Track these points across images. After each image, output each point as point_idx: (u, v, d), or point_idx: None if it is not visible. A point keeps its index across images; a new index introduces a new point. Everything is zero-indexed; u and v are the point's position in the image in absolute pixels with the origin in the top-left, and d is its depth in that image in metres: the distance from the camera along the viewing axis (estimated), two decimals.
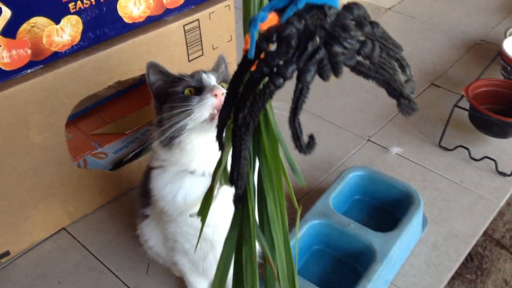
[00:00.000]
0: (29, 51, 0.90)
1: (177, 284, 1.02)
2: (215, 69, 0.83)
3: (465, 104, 1.32)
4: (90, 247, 1.10)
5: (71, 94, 0.98)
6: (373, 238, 1.01)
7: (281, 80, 0.37)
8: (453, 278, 1.05)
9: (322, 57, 0.38)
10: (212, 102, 0.69)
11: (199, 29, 1.13)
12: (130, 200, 1.20)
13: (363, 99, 1.54)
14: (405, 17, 1.94)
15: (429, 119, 1.45)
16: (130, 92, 1.45)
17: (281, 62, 0.38)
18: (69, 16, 0.93)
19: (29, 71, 0.92)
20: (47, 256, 1.08)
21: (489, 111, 1.26)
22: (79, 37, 0.96)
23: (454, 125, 1.39)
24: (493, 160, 1.27)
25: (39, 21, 0.89)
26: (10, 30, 0.86)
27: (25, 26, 0.88)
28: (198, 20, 1.12)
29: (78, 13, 0.93)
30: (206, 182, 0.75)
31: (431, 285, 1.03)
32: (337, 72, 0.38)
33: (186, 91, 0.74)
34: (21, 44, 0.89)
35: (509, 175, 1.26)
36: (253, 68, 0.41)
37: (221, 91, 0.69)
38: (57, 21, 0.92)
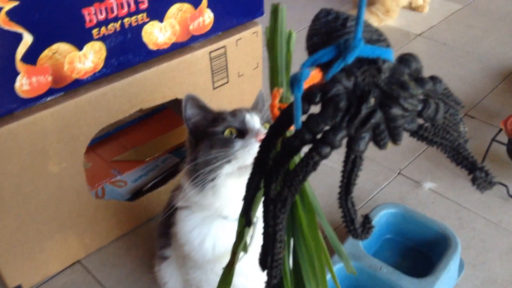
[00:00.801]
0: (49, 78, 0.87)
1: None
2: (256, 107, 0.77)
3: (503, 138, 1.25)
4: (105, 283, 1.04)
5: (92, 122, 0.94)
6: (407, 284, 0.93)
7: (328, 149, 0.31)
8: None
9: (378, 121, 0.32)
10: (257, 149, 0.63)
11: (225, 56, 1.09)
12: (148, 232, 1.15)
13: None
14: (436, 44, 1.87)
15: None
16: (151, 117, 1.41)
17: (326, 127, 0.32)
18: (92, 43, 0.89)
19: (48, 98, 0.88)
20: None
21: None
22: (102, 64, 0.92)
23: (491, 160, 1.32)
24: None
25: (61, 48, 0.86)
26: (31, 57, 0.83)
27: (46, 53, 0.84)
28: (224, 47, 1.07)
29: (102, 39, 0.90)
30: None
31: None
32: (396, 139, 0.32)
33: (227, 132, 0.68)
34: (42, 71, 0.85)
35: None
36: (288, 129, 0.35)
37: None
38: (80, 47, 0.88)
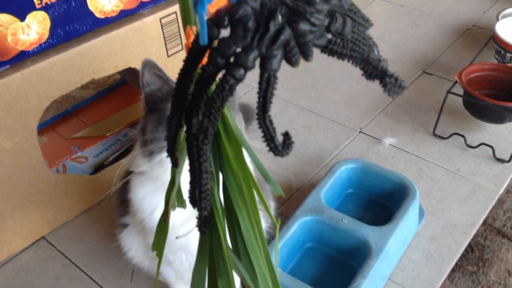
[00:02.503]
0: None
1: None
2: None
3: (458, 90, 1.27)
4: (72, 256, 1.04)
5: (42, 95, 0.92)
6: (368, 232, 0.96)
7: (242, 71, 0.32)
8: (453, 270, 1.00)
9: (288, 38, 0.33)
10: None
11: (177, 22, 1.08)
12: (112, 206, 1.14)
13: (353, 90, 1.48)
14: (394, 6, 1.89)
15: (422, 108, 1.40)
16: (110, 93, 1.39)
17: (238, 50, 0.33)
18: (35, 12, 0.87)
19: None
20: (26, 267, 1.02)
21: (484, 96, 1.21)
22: (47, 35, 0.91)
23: (448, 113, 1.35)
24: (490, 146, 1.23)
25: (3, 18, 0.84)
26: None
27: None
28: (175, 13, 1.07)
29: (45, 8, 0.88)
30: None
31: (430, 279, 0.98)
32: (307, 55, 0.33)
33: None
34: None
35: (507, 161, 1.21)
36: (203, 62, 0.35)
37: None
38: (22, 18, 0.86)
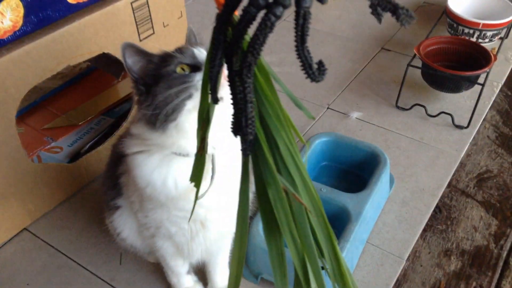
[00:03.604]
0: None
1: (153, 270, 0.99)
2: (194, 43, 0.78)
3: (417, 63, 1.35)
4: (57, 245, 1.04)
5: (19, 83, 0.92)
6: (346, 199, 1.01)
7: (281, 9, 0.36)
8: (424, 230, 1.07)
9: None
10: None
11: (148, 6, 1.09)
12: (91, 194, 1.15)
13: None
14: None
15: (384, 82, 1.47)
16: (77, 83, 1.38)
17: None
18: (8, 0, 0.86)
19: None
20: (11, 259, 1.02)
21: (441, 67, 1.29)
22: (21, 22, 0.90)
23: (408, 86, 1.42)
24: (449, 114, 1.31)
25: None
26: None
27: None
28: None
29: None
30: None
31: (404, 239, 1.05)
32: None
33: (179, 69, 0.67)
34: None
35: (466, 128, 1.30)
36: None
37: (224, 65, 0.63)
38: None
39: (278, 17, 0.36)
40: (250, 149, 0.42)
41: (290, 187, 0.44)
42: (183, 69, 0.67)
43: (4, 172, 0.96)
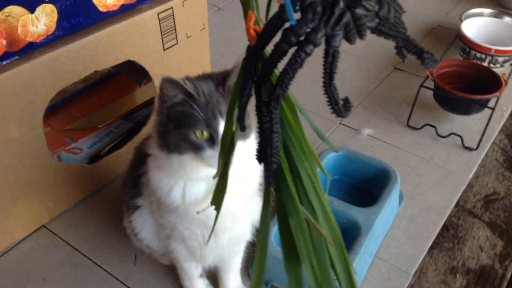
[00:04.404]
0: (4, 42, 0.88)
1: (167, 272, 1.01)
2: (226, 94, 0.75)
3: (429, 84, 1.38)
4: (73, 243, 1.07)
5: (48, 85, 0.95)
6: (357, 213, 1.04)
7: (311, 47, 0.38)
8: (431, 247, 1.10)
9: (348, 20, 0.40)
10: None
11: (173, 17, 1.13)
12: (109, 195, 1.18)
13: None
14: None
15: (396, 101, 1.51)
16: (97, 87, 1.42)
17: (308, 30, 0.39)
18: (44, 5, 0.90)
19: (4, 62, 0.89)
20: (29, 254, 1.05)
21: (453, 89, 1.32)
22: (54, 27, 0.94)
23: (420, 106, 1.45)
24: (459, 136, 1.34)
25: (14, 10, 0.87)
26: None
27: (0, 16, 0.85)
28: (172, 8, 1.11)
29: (53, 1, 0.91)
30: (205, 184, 0.75)
31: (412, 255, 1.07)
32: (362, 34, 0.40)
33: (198, 133, 0.70)
34: None
35: (475, 149, 1.33)
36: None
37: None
38: (32, 10, 0.89)
39: (308, 55, 0.39)
40: (273, 177, 0.44)
41: (311, 217, 0.46)
42: (202, 133, 0.70)
43: (28, 169, 1.00)
